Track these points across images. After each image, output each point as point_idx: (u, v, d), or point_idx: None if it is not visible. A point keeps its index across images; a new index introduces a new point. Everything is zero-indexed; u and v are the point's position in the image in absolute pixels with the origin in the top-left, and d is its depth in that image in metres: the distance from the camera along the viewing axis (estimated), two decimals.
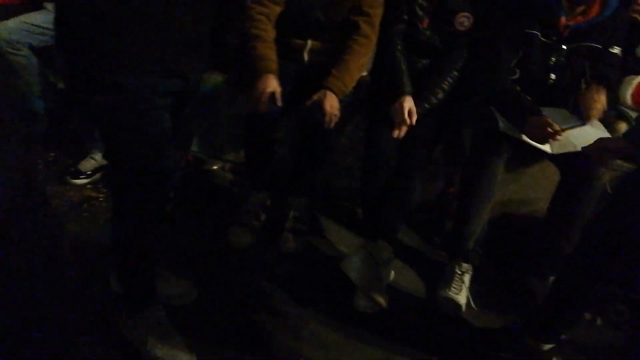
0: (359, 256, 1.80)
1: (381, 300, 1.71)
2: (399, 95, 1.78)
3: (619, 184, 1.56)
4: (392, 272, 1.86)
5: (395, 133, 1.76)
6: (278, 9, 1.78)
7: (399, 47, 1.83)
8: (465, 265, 1.82)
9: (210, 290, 1.72)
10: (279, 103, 1.71)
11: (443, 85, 1.81)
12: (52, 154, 2.29)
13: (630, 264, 1.39)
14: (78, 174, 2.15)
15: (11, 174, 0.64)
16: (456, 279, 1.79)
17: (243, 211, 2.01)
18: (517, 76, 1.76)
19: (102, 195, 2.11)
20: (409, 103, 1.76)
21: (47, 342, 0.78)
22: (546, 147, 1.66)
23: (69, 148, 2.32)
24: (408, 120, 1.74)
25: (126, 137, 1.19)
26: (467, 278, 1.81)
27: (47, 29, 2.09)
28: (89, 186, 2.15)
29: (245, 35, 1.79)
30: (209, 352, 1.51)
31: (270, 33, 1.77)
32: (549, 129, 1.55)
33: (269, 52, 1.74)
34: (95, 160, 2.19)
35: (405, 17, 1.81)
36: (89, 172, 2.17)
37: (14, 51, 2.09)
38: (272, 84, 1.69)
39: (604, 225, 1.42)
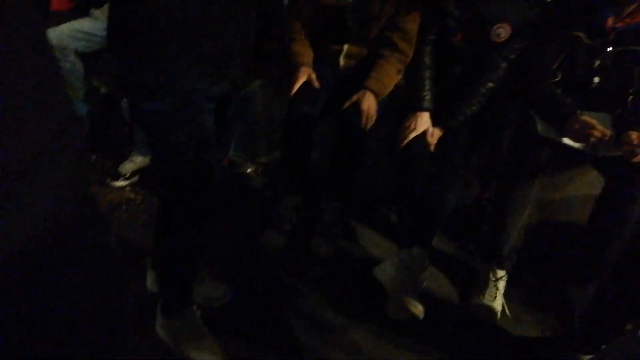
0: (392, 263, 1.77)
1: (416, 309, 1.68)
2: (414, 109, 1.77)
3: None
4: (425, 280, 1.84)
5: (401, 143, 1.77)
6: (310, 19, 1.84)
7: (426, 58, 1.81)
8: (499, 272, 1.78)
9: (243, 292, 1.74)
10: (316, 84, 1.76)
11: (477, 97, 1.77)
12: (94, 157, 2.37)
13: None
14: (118, 176, 2.22)
15: (59, 174, 0.67)
16: (491, 285, 1.76)
17: (276, 215, 2.03)
18: (558, 78, 1.72)
19: (140, 197, 2.16)
20: (421, 122, 1.75)
21: (81, 339, 0.80)
22: (587, 149, 1.62)
23: (109, 151, 2.39)
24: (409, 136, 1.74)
25: (173, 139, 1.22)
26: (501, 285, 1.77)
27: (93, 35, 2.17)
28: (127, 188, 2.22)
29: (282, 41, 1.85)
30: (241, 354, 1.52)
31: (303, 35, 1.84)
32: (592, 130, 1.51)
33: (303, 49, 1.82)
34: (134, 162, 2.25)
35: (436, 27, 1.79)
36: (128, 175, 2.23)
37: (62, 57, 2.17)
38: (305, 73, 1.76)
39: None
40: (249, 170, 2.39)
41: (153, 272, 1.62)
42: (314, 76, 1.77)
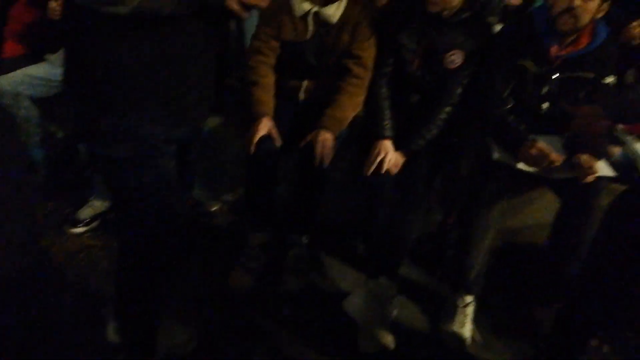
0: (361, 295, 1.77)
1: (387, 340, 1.67)
2: (377, 138, 1.80)
3: (615, 205, 1.55)
4: (395, 310, 1.84)
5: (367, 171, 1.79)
6: (275, 55, 1.85)
7: (383, 89, 1.86)
8: (467, 298, 1.78)
9: (212, 335, 1.69)
10: (277, 143, 1.75)
11: (436, 122, 1.82)
12: (51, 203, 2.29)
13: (633, 288, 1.37)
14: (76, 223, 2.13)
15: (13, 226, 0.65)
16: (459, 312, 1.76)
17: (242, 254, 2.00)
18: (510, 105, 1.79)
19: (100, 243, 2.08)
20: (385, 149, 1.78)
21: None
22: (542, 172, 1.68)
23: (68, 196, 2.31)
24: (384, 166, 1.77)
25: (133, 184, 1.20)
26: (470, 310, 1.78)
27: (48, 80, 2.14)
28: (87, 234, 2.13)
29: (244, 81, 1.85)
30: None
31: (267, 79, 1.84)
32: (546, 156, 1.57)
33: (265, 96, 1.80)
34: (93, 207, 2.18)
35: (391, 60, 1.85)
36: (87, 220, 2.15)
37: (15, 103, 2.12)
38: (266, 126, 1.74)
39: (606, 249, 1.41)
40: (214, 209, 2.36)
41: (115, 322, 1.55)
42: (274, 131, 1.76)
